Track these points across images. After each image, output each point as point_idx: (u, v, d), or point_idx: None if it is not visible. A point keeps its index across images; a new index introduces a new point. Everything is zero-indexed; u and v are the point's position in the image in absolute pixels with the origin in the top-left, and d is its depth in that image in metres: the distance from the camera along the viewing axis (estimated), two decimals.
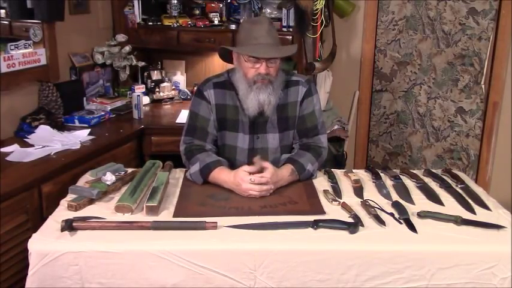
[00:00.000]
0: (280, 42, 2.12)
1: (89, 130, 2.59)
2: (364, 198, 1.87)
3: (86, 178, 2.03)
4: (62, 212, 1.76)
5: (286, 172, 2.00)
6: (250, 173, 1.90)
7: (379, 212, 1.76)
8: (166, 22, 3.29)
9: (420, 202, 1.87)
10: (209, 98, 2.13)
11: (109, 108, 2.96)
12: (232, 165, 2.11)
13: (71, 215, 1.71)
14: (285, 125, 2.16)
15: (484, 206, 1.85)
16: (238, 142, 2.15)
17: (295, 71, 3.05)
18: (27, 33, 2.57)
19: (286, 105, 2.14)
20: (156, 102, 3.31)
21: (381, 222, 1.69)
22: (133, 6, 3.28)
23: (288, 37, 3.10)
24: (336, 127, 3.18)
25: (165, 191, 1.90)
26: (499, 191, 3.57)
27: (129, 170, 2.11)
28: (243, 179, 1.89)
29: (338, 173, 2.14)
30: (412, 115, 3.88)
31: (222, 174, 1.97)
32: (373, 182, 2.05)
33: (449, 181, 2.05)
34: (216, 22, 3.28)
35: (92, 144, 2.42)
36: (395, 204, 1.81)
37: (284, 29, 3.13)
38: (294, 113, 2.15)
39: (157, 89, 3.36)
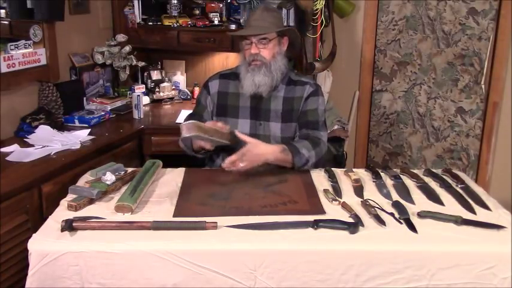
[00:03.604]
0: (277, 25, 2.19)
1: (89, 130, 2.59)
2: (364, 198, 1.87)
3: (86, 178, 2.03)
4: (62, 212, 1.76)
5: (276, 148, 2.05)
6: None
7: (379, 211, 1.75)
8: (166, 22, 3.29)
9: (420, 202, 1.87)
10: (210, 89, 2.31)
11: (109, 108, 2.96)
12: (235, 151, 2.15)
13: (71, 215, 1.71)
14: (289, 116, 2.24)
15: (484, 206, 1.85)
16: (239, 128, 2.21)
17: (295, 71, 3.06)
18: (27, 33, 2.56)
19: (292, 98, 2.24)
20: (156, 102, 3.31)
21: (381, 222, 1.69)
22: (133, 6, 3.28)
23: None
24: (336, 127, 3.18)
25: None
26: (499, 191, 3.57)
27: (129, 170, 2.11)
28: None
29: (338, 172, 2.14)
30: (412, 115, 3.88)
31: None
32: (374, 181, 2.05)
33: (450, 181, 2.05)
34: (216, 22, 3.28)
35: (92, 144, 2.42)
36: (396, 204, 1.81)
37: None
38: (298, 106, 2.24)
39: (157, 89, 3.36)
